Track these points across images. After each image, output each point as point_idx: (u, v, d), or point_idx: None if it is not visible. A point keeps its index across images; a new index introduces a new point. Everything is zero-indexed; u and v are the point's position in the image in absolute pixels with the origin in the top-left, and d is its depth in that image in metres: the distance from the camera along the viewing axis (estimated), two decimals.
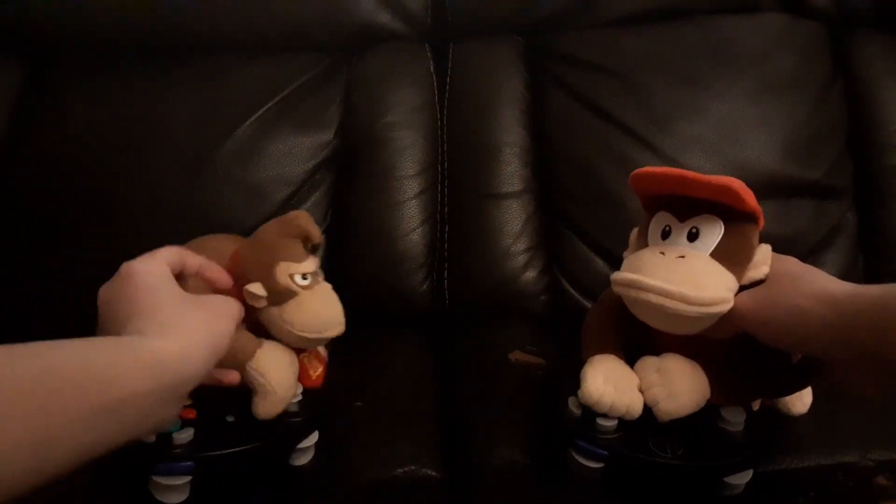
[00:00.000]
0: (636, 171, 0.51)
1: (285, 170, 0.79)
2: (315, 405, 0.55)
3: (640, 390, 0.51)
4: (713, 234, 0.48)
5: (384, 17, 0.86)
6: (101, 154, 0.77)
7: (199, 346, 0.40)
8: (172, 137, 0.78)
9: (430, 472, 0.58)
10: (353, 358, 0.58)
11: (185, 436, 0.49)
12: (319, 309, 0.52)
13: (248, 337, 0.51)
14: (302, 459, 0.56)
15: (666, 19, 0.86)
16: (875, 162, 0.84)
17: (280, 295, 0.51)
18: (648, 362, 0.52)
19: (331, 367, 0.58)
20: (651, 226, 0.52)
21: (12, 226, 0.77)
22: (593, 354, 0.54)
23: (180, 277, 0.47)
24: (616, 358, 0.53)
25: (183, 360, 0.38)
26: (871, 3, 0.88)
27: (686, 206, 0.49)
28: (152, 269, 0.44)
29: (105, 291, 0.43)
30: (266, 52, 0.84)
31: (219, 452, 0.49)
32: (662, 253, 0.48)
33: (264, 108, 0.80)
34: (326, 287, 0.54)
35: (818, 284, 0.44)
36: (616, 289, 0.49)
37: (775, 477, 0.55)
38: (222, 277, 0.51)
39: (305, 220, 0.52)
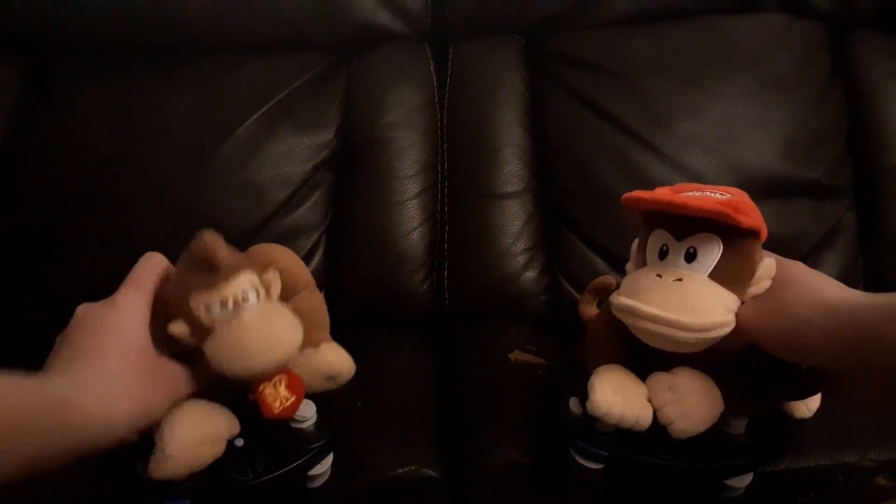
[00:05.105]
0: (625, 195, 0.50)
1: (285, 170, 0.79)
2: (332, 423, 0.52)
3: (650, 401, 0.50)
4: (711, 253, 0.47)
5: (384, 17, 0.86)
6: (101, 154, 0.77)
7: (122, 415, 0.38)
8: (172, 137, 0.78)
9: (430, 472, 0.58)
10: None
11: None
12: (240, 339, 0.45)
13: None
14: (316, 483, 0.53)
15: (666, 19, 0.86)
16: (875, 162, 0.84)
17: (201, 330, 0.45)
18: (660, 379, 0.50)
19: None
20: (649, 244, 0.50)
21: (12, 226, 0.77)
22: (600, 365, 0.52)
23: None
24: (623, 368, 0.52)
25: (100, 426, 0.36)
26: (871, 3, 0.88)
27: (684, 225, 0.48)
28: (121, 312, 0.41)
29: (61, 335, 0.41)
30: (266, 52, 0.84)
31: (218, 489, 0.46)
32: (659, 276, 0.47)
33: (264, 108, 0.80)
34: (259, 309, 0.47)
35: (820, 293, 0.43)
36: (615, 313, 0.48)
37: (775, 477, 0.55)
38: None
39: (203, 244, 0.45)
